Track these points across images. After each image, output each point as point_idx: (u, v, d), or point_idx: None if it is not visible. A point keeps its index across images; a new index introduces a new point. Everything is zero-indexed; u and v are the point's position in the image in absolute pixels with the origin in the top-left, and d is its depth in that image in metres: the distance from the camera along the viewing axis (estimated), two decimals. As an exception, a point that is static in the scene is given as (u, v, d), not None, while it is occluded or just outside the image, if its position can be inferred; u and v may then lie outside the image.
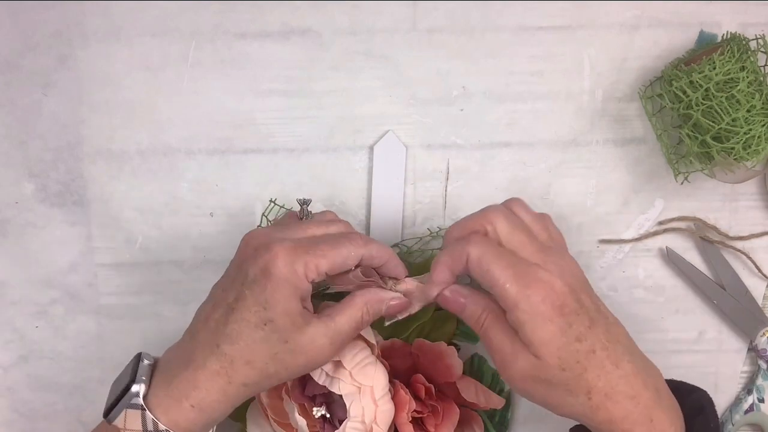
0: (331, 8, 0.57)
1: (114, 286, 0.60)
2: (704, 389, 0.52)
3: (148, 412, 0.47)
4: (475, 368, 0.59)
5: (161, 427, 0.47)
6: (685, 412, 0.49)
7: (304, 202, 0.54)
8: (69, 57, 0.57)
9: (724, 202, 0.60)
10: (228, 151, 0.58)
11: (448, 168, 0.59)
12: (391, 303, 0.50)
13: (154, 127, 0.58)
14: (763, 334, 0.59)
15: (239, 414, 0.58)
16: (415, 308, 0.51)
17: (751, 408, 0.60)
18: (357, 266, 0.49)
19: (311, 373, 0.52)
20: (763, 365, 0.60)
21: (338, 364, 0.52)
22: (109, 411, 0.48)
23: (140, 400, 0.47)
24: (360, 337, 0.53)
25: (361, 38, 0.57)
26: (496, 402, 0.56)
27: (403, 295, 0.50)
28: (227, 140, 0.58)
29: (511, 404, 0.60)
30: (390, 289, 0.50)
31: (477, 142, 0.59)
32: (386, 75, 0.58)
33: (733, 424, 0.60)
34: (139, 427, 0.47)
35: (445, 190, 0.59)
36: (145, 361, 0.49)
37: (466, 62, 0.58)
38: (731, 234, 0.60)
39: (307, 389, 0.53)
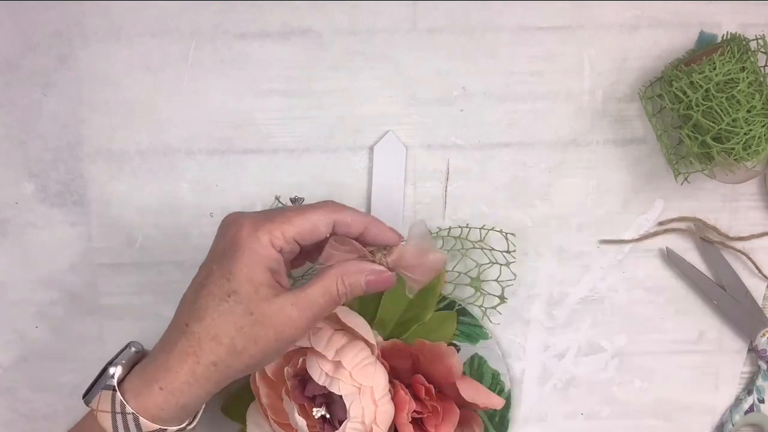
0: (331, 8, 0.57)
1: (114, 286, 0.60)
2: None
3: (118, 393, 0.46)
4: (475, 368, 0.59)
5: (128, 409, 0.46)
6: None
7: (296, 200, 0.54)
8: (69, 57, 0.57)
9: (724, 203, 0.60)
10: (228, 151, 0.58)
11: (448, 168, 0.59)
12: (369, 277, 0.46)
13: (154, 127, 0.58)
14: (763, 334, 0.59)
15: (239, 414, 0.58)
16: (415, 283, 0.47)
17: (751, 408, 0.60)
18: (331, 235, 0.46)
19: (311, 373, 0.52)
20: (764, 366, 0.60)
21: (338, 365, 0.52)
22: (87, 393, 0.48)
23: (113, 381, 0.47)
24: (360, 338, 0.53)
25: (361, 38, 0.57)
26: (496, 402, 0.56)
27: (392, 265, 0.47)
28: (227, 140, 0.58)
29: (511, 404, 0.60)
30: (378, 261, 0.47)
31: (477, 142, 0.59)
32: (386, 75, 0.58)
33: (733, 425, 0.60)
34: (108, 408, 0.46)
35: (445, 190, 0.59)
36: (132, 349, 0.49)
37: (466, 62, 0.58)
38: (731, 234, 0.60)
39: (307, 390, 0.53)
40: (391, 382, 0.54)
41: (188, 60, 0.57)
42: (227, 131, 0.58)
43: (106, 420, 0.46)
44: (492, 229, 0.58)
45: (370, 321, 0.56)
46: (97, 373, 0.60)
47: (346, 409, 0.52)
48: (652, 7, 0.58)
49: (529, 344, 0.61)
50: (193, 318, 0.45)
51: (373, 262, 0.47)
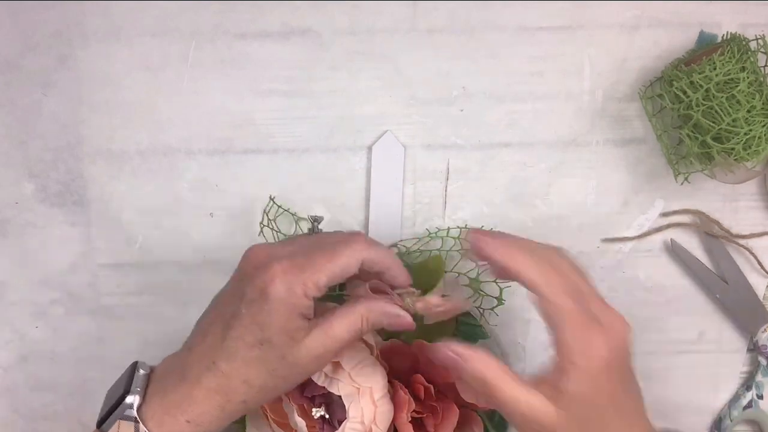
0: (331, 8, 0.57)
1: (114, 286, 0.60)
2: None
3: (141, 424, 0.46)
4: None
5: None
6: None
7: (315, 220, 0.53)
8: (69, 57, 0.57)
9: (724, 203, 0.60)
10: (228, 151, 0.58)
11: (448, 168, 0.59)
12: (395, 321, 0.48)
13: (154, 127, 0.58)
14: (765, 330, 0.59)
15: None
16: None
17: (749, 404, 0.60)
18: (367, 280, 0.49)
19: None
20: (764, 362, 0.60)
21: (337, 365, 0.52)
22: (103, 421, 0.47)
23: (134, 412, 0.46)
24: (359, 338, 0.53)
25: (361, 38, 0.57)
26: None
27: (418, 312, 0.49)
28: (227, 140, 0.58)
29: None
30: (405, 307, 0.49)
31: (477, 142, 0.59)
32: (386, 75, 0.58)
33: (731, 420, 0.60)
34: None
35: (445, 190, 0.59)
36: (141, 371, 0.48)
37: (466, 62, 0.58)
38: (732, 234, 0.60)
39: (306, 390, 0.53)
40: (390, 382, 0.54)
41: (188, 60, 0.57)
42: (227, 131, 0.58)
43: None
44: (491, 230, 0.58)
45: None
46: (97, 372, 0.60)
47: (345, 409, 0.52)
48: (652, 7, 0.58)
49: (529, 344, 0.61)
50: (222, 358, 0.45)
51: (400, 306, 0.49)
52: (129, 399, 0.46)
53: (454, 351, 0.46)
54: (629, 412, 0.46)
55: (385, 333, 0.57)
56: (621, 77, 0.58)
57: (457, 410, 0.55)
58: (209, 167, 0.59)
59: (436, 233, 0.59)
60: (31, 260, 0.59)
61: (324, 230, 0.53)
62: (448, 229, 0.59)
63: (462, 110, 0.58)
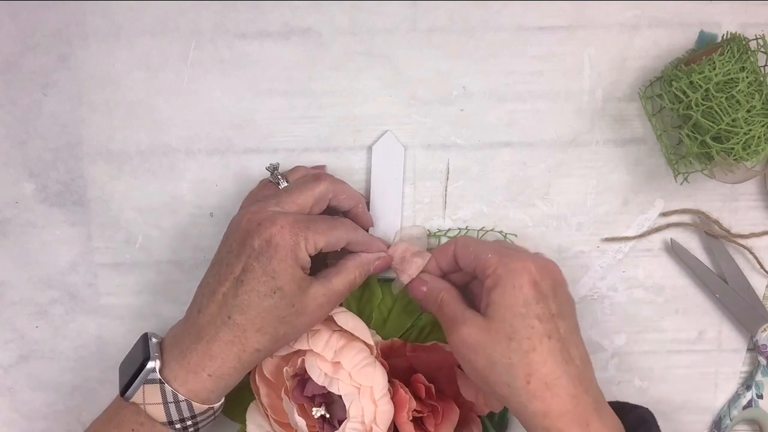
0: (331, 8, 0.57)
1: (114, 286, 0.60)
2: (647, 407, 0.52)
3: (167, 385, 0.49)
4: None
5: (181, 397, 0.49)
6: (627, 425, 0.49)
7: (274, 168, 0.55)
8: (69, 57, 0.57)
9: (724, 203, 0.60)
10: (228, 151, 0.58)
11: (448, 168, 0.59)
12: (376, 263, 0.55)
13: (154, 127, 0.58)
14: (764, 329, 0.59)
15: (239, 414, 0.58)
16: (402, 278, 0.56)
17: (749, 404, 0.60)
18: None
19: (310, 374, 0.52)
20: (763, 361, 0.60)
21: (338, 365, 0.52)
22: (125, 389, 0.50)
23: (158, 375, 0.50)
24: (358, 339, 0.53)
25: (361, 38, 0.57)
26: (496, 405, 0.56)
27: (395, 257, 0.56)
28: (227, 140, 0.58)
29: None
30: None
31: (477, 142, 0.59)
32: (386, 75, 0.58)
33: (731, 419, 0.60)
34: (159, 399, 0.49)
35: (445, 190, 0.59)
36: (154, 340, 0.52)
37: (466, 62, 0.58)
38: (732, 233, 0.60)
39: (306, 389, 0.53)
40: (390, 381, 0.54)
41: (188, 60, 0.57)
42: (227, 131, 0.58)
43: (157, 411, 0.50)
44: (491, 230, 0.58)
45: (366, 321, 0.56)
46: (97, 372, 0.60)
47: (345, 409, 0.52)
48: (652, 7, 0.58)
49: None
50: (237, 311, 0.49)
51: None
52: (151, 364, 0.50)
53: (421, 280, 0.54)
54: (561, 337, 0.48)
55: (383, 332, 0.58)
56: (621, 77, 0.58)
57: (458, 410, 0.55)
58: (209, 167, 0.59)
59: (435, 234, 0.59)
60: (31, 260, 0.59)
61: (283, 175, 0.55)
62: (448, 230, 0.59)
63: (462, 110, 0.58)
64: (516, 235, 0.59)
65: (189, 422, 0.50)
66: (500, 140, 0.59)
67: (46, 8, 0.57)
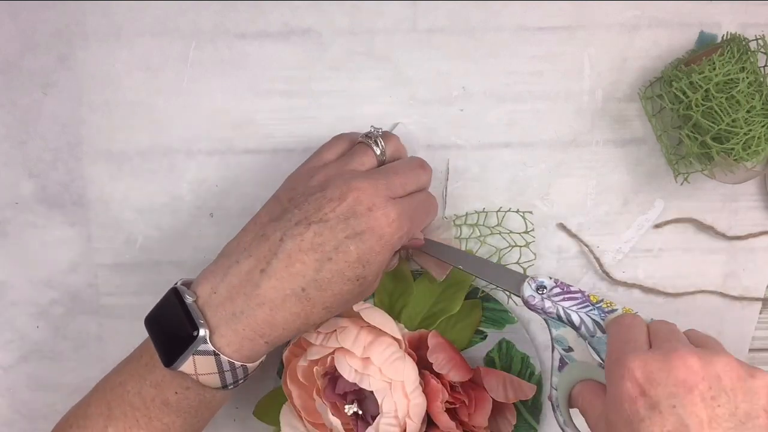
0: (331, 8, 0.57)
1: (114, 286, 0.60)
2: None
3: (222, 356, 0.46)
4: (504, 353, 0.58)
5: (237, 364, 0.47)
6: None
7: (377, 132, 0.53)
8: (69, 57, 0.57)
9: (724, 203, 0.60)
10: (228, 151, 0.58)
11: (448, 168, 0.59)
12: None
13: (154, 127, 0.58)
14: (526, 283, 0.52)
15: (271, 417, 0.58)
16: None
17: (563, 363, 0.51)
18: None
19: (340, 371, 0.52)
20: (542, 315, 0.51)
21: (367, 361, 0.52)
22: (171, 360, 0.47)
23: (210, 346, 0.46)
24: (386, 334, 0.53)
25: (361, 38, 0.57)
26: (527, 392, 0.55)
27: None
28: (227, 140, 0.58)
29: (543, 388, 0.59)
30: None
31: (477, 142, 0.59)
32: (386, 75, 0.58)
33: (556, 388, 0.51)
34: (214, 369, 0.47)
35: (445, 190, 0.59)
36: (189, 298, 0.48)
37: (466, 62, 0.58)
38: (731, 234, 0.60)
39: (337, 387, 0.53)
40: (420, 373, 0.53)
41: (188, 60, 0.57)
42: (227, 131, 0.58)
43: (211, 379, 0.47)
44: (509, 210, 0.58)
45: (397, 316, 0.56)
46: (97, 372, 0.60)
47: (377, 404, 0.52)
48: (652, 7, 0.58)
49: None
50: (313, 287, 0.47)
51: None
52: (201, 332, 0.46)
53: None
54: None
55: (412, 325, 0.57)
56: (621, 77, 0.58)
57: (491, 399, 0.55)
58: (209, 167, 0.59)
59: (453, 220, 0.59)
60: (31, 260, 0.59)
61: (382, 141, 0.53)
62: (465, 215, 0.59)
63: (462, 110, 0.58)
64: (532, 213, 0.59)
65: (241, 381, 0.48)
66: (500, 140, 0.59)
67: (46, 8, 0.57)
